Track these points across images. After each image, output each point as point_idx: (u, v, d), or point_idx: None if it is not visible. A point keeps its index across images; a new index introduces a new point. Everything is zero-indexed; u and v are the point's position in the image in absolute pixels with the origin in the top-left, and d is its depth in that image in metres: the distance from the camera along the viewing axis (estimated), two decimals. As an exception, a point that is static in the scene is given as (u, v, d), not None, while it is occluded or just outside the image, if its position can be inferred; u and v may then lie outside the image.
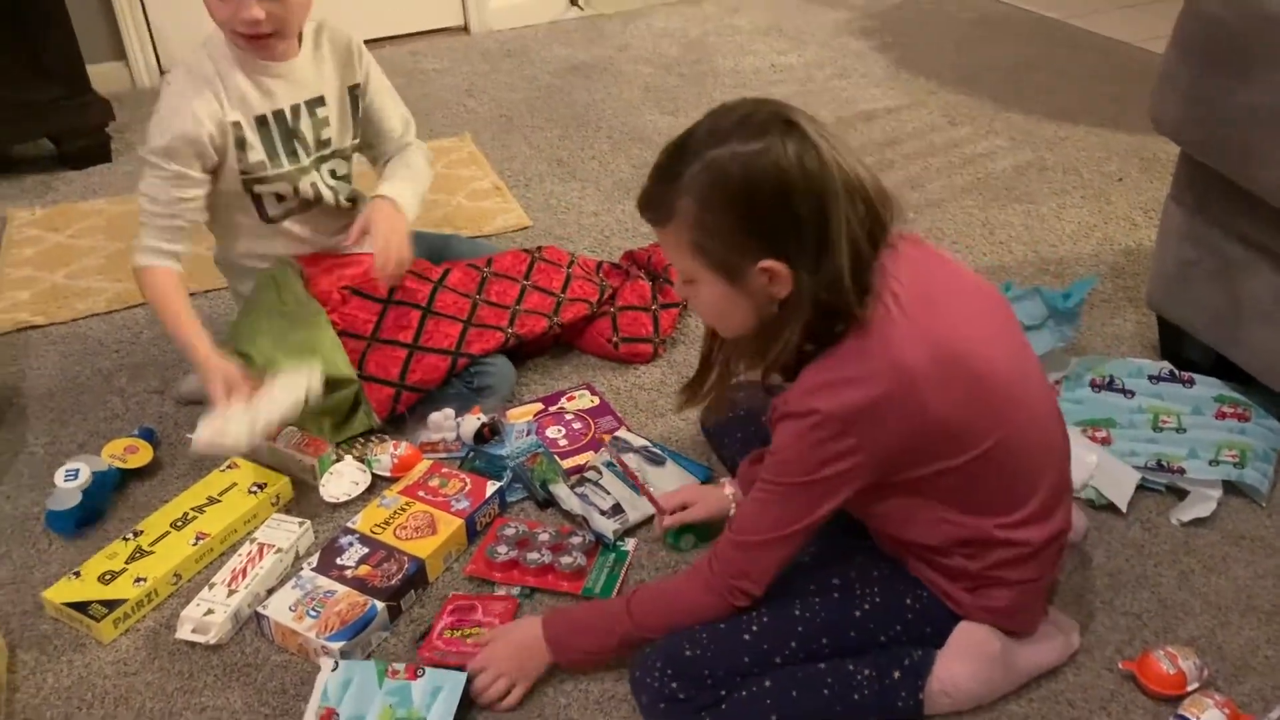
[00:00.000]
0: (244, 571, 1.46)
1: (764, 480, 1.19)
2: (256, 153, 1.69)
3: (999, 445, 1.16)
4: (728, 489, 1.51)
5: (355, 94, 1.82)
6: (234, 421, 1.50)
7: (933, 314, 1.14)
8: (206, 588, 1.45)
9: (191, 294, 2.14)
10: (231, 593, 1.43)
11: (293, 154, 1.74)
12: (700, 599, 1.25)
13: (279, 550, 1.50)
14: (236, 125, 1.66)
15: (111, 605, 1.42)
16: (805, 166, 1.07)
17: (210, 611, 1.41)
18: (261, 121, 1.70)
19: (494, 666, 1.30)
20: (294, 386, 1.57)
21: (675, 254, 1.17)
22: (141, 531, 1.54)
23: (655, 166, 1.15)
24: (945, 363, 1.12)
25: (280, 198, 1.76)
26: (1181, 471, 1.57)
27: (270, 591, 1.44)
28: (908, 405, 1.11)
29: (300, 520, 1.57)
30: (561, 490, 1.59)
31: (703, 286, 1.16)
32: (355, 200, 1.87)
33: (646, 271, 2.07)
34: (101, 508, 1.63)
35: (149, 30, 3.24)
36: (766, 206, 1.08)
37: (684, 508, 1.50)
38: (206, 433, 1.50)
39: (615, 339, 1.92)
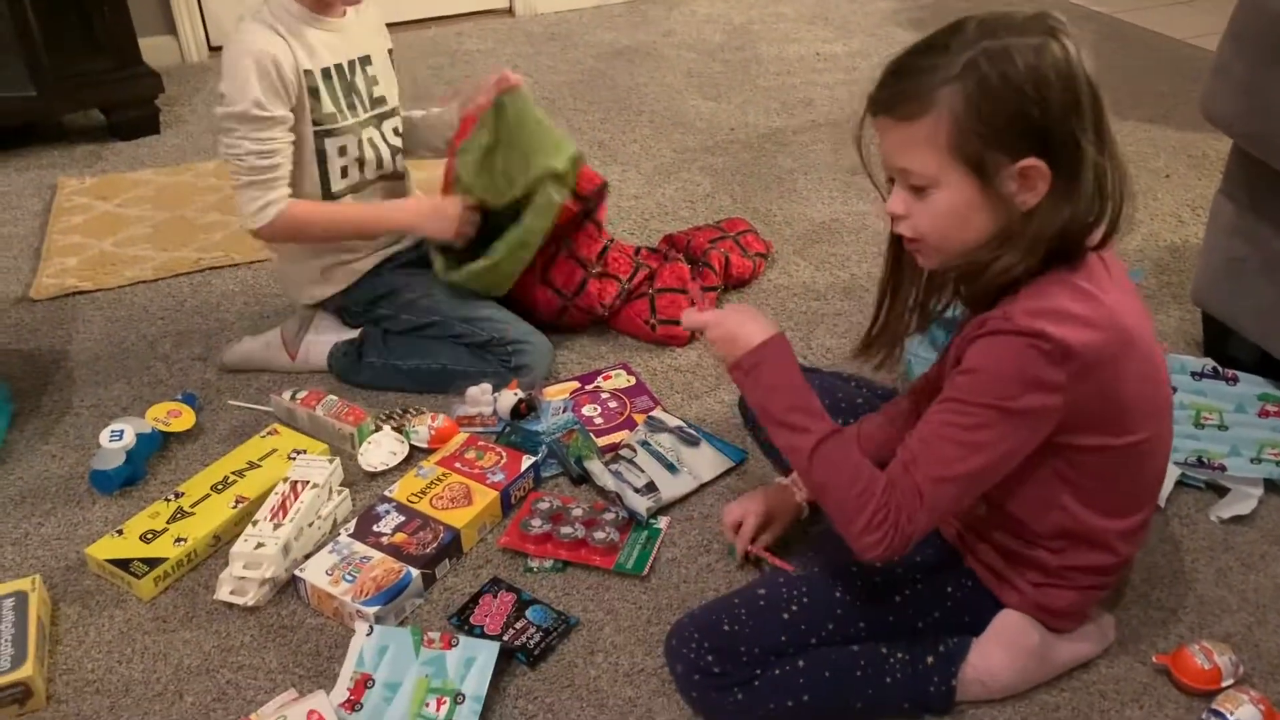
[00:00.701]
0: (284, 509, 1.48)
1: (949, 399, 1.10)
2: (328, 103, 1.72)
3: (1149, 442, 1.16)
4: (797, 495, 1.46)
5: (390, 57, 1.86)
6: (270, 550, 1.45)
7: (1127, 292, 1.14)
8: (250, 525, 1.46)
9: (224, 266, 2.19)
10: (277, 526, 1.45)
11: (353, 108, 1.76)
12: (865, 500, 1.12)
13: (314, 485, 1.51)
14: (309, 74, 1.69)
15: (152, 563, 1.44)
16: (1085, 66, 1.05)
17: (261, 545, 1.42)
18: (327, 74, 1.72)
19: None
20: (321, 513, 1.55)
21: (920, 152, 1.08)
22: (183, 493, 1.56)
23: (900, 63, 1.09)
24: (1138, 342, 1.12)
25: (344, 160, 1.77)
26: (1222, 469, 1.55)
27: (308, 556, 1.46)
28: (1114, 363, 1.09)
29: (329, 456, 1.59)
30: (596, 467, 1.59)
31: (943, 191, 1.08)
32: (404, 176, 1.90)
33: (685, 255, 2.07)
34: (144, 469, 1.65)
35: (199, 6, 3.28)
36: (1052, 100, 1.03)
37: (760, 524, 1.43)
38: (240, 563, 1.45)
39: (653, 320, 1.92)
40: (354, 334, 1.87)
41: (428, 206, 1.80)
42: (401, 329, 1.84)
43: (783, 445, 1.19)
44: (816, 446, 1.16)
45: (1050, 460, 1.16)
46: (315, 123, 1.72)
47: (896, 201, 1.13)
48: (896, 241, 1.21)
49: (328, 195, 1.78)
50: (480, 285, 1.83)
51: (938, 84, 1.05)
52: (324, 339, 1.87)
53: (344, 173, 1.78)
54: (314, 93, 1.70)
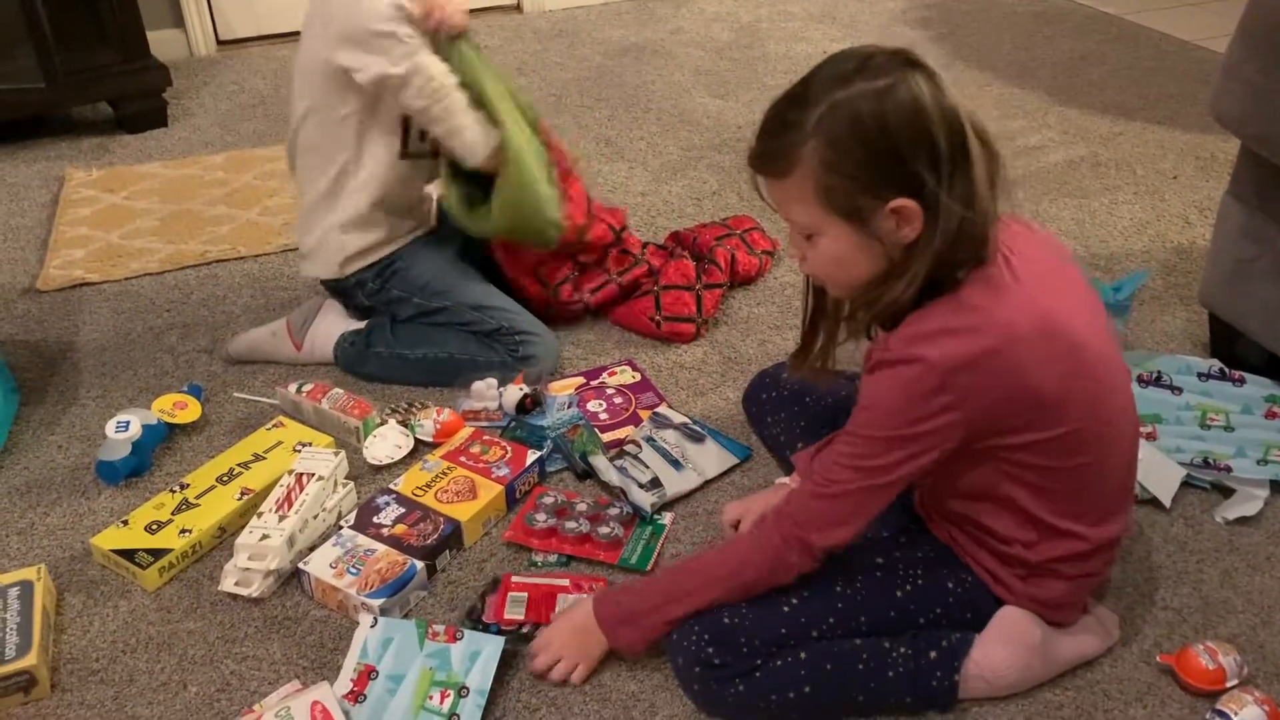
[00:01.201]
0: (289, 500, 1.48)
1: (851, 434, 1.16)
2: None
3: (1088, 431, 1.16)
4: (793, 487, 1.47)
5: None
6: (275, 542, 1.45)
7: (1040, 286, 1.14)
8: (255, 516, 1.46)
9: (230, 259, 2.20)
10: (282, 518, 1.45)
11: None
12: (750, 555, 1.23)
13: (320, 478, 1.51)
14: None
15: (157, 554, 1.45)
16: (940, 99, 1.06)
17: (266, 536, 1.42)
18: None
19: (554, 649, 1.30)
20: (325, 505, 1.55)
21: (797, 206, 1.13)
22: (188, 484, 1.56)
23: (769, 120, 1.12)
24: (1050, 335, 1.12)
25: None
26: (1228, 469, 1.55)
27: (312, 548, 1.46)
28: (1008, 365, 1.09)
29: (335, 449, 1.59)
30: (600, 462, 1.59)
31: (825, 238, 1.13)
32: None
33: (691, 252, 2.07)
34: (149, 460, 1.66)
35: (208, 1, 3.28)
36: (902, 141, 1.05)
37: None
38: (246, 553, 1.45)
39: (658, 317, 1.92)
40: (358, 324, 1.87)
41: None
42: (411, 313, 1.84)
43: (677, 623, 1.25)
44: (673, 590, 1.26)
45: (990, 464, 1.17)
46: None
47: (792, 247, 1.20)
48: None
49: (404, 152, 1.79)
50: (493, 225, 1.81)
51: (796, 143, 1.09)
52: (330, 330, 1.87)
53: (422, 135, 1.78)
54: None
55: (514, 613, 1.37)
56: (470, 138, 1.72)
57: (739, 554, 1.25)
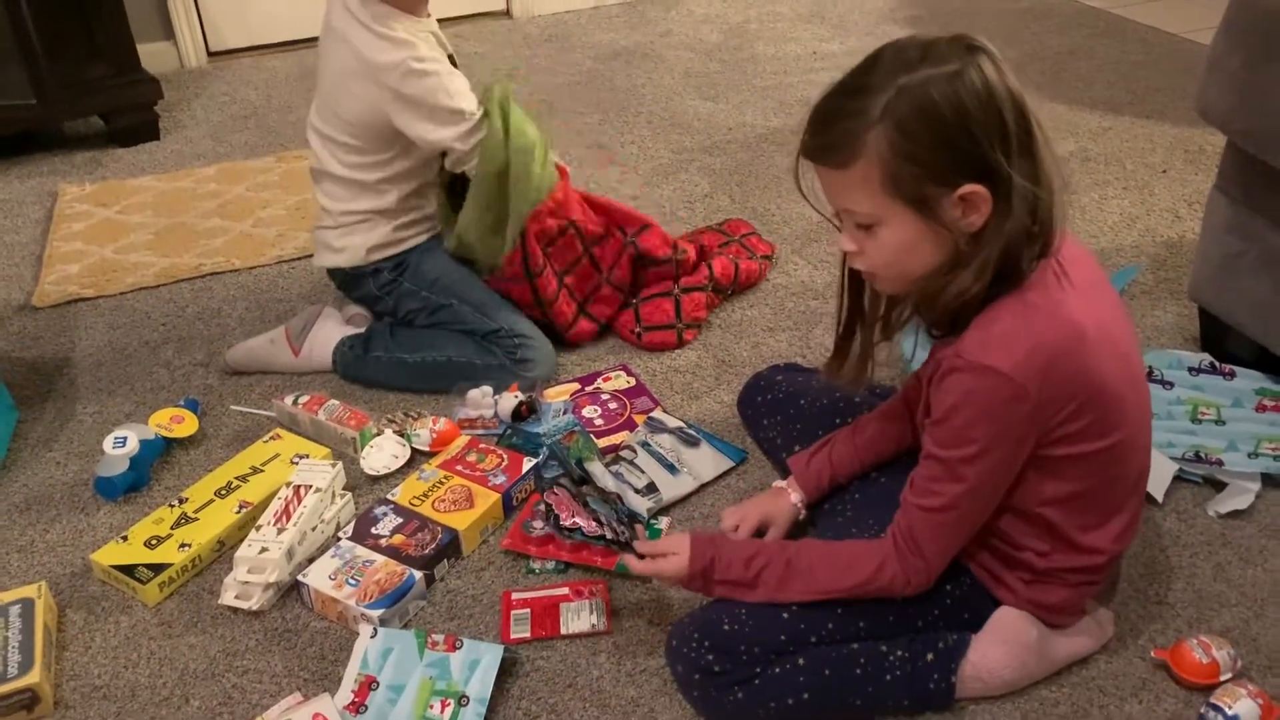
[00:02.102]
0: (286, 513, 1.49)
1: (934, 457, 1.15)
2: None
3: (1125, 443, 1.17)
4: (792, 497, 1.46)
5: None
6: (274, 554, 1.45)
7: (1093, 292, 1.14)
8: (254, 529, 1.47)
9: (225, 271, 2.20)
10: (281, 530, 1.46)
11: None
12: (866, 574, 1.21)
13: (317, 490, 1.52)
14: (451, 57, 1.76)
15: (157, 569, 1.45)
16: (1005, 82, 1.05)
17: (265, 550, 1.43)
18: (451, 59, 1.78)
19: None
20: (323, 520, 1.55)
21: (859, 196, 1.10)
22: (186, 499, 1.57)
23: (825, 109, 1.10)
24: (1107, 341, 1.12)
25: None
26: (1220, 463, 1.56)
27: (311, 560, 1.47)
28: (1079, 366, 1.09)
29: (332, 461, 1.60)
30: (596, 468, 1.60)
31: (888, 228, 1.11)
32: None
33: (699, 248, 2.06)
34: (147, 475, 1.66)
35: (198, 12, 3.29)
36: (974, 125, 1.04)
37: (756, 527, 1.45)
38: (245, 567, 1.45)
39: (638, 329, 1.93)
40: (357, 329, 1.89)
41: None
42: (415, 307, 1.86)
43: (767, 597, 1.25)
44: (785, 578, 1.23)
45: (1030, 475, 1.17)
46: None
47: (847, 239, 1.17)
48: (851, 270, 1.23)
49: (440, 174, 1.86)
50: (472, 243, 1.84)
51: (861, 130, 1.06)
52: (328, 336, 1.88)
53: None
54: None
55: (520, 632, 1.38)
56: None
57: (861, 570, 1.22)
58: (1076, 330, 1.10)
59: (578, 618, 1.39)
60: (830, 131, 1.09)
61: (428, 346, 1.84)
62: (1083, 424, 1.13)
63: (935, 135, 1.05)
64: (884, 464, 1.42)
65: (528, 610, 1.40)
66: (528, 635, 1.37)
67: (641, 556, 1.30)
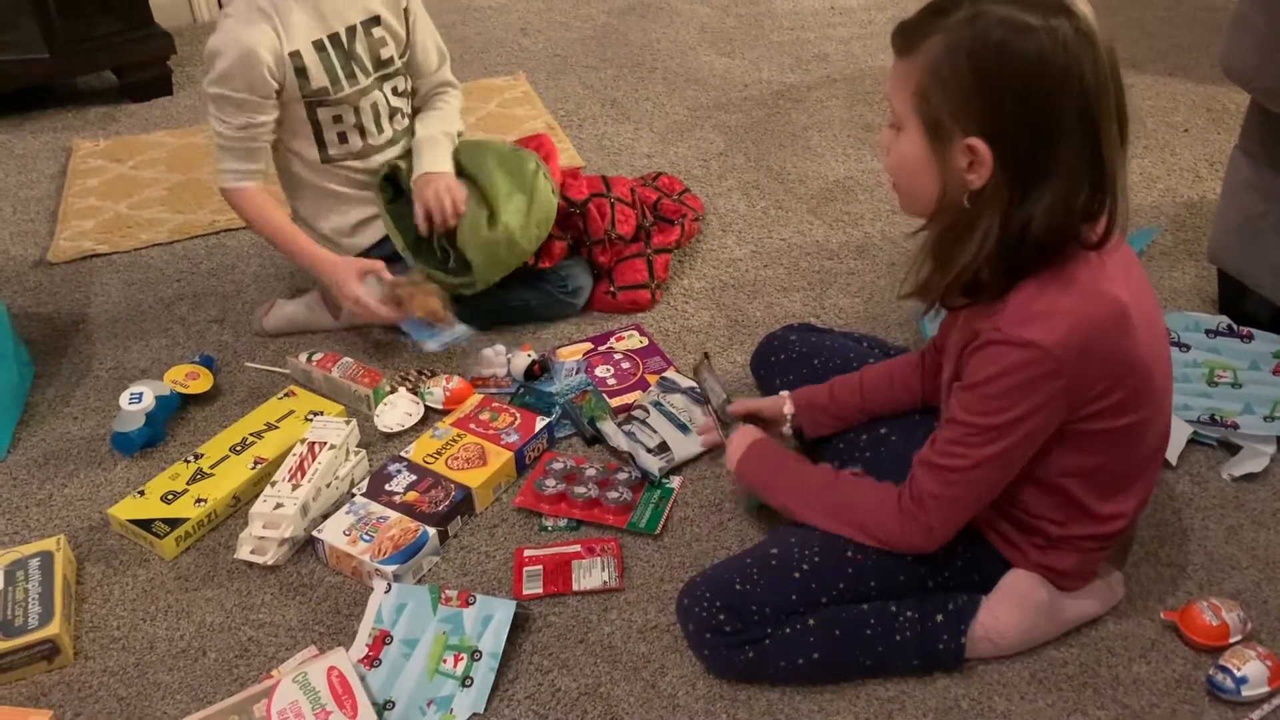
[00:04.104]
0: (301, 469, 1.50)
1: (961, 421, 1.14)
2: (319, 79, 1.70)
3: (1149, 418, 1.16)
4: (787, 407, 1.49)
5: (407, 17, 1.84)
6: (289, 510, 1.47)
7: (1125, 268, 1.13)
8: (269, 485, 1.49)
9: (239, 228, 2.20)
10: (296, 486, 1.47)
11: (351, 76, 1.74)
12: (870, 517, 1.24)
13: (332, 446, 1.53)
14: (295, 55, 1.67)
15: (173, 524, 1.47)
16: (1070, 69, 1.00)
17: (280, 505, 1.45)
18: (320, 46, 1.71)
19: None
20: (338, 472, 1.56)
21: (898, 90, 1.09)
22: (202, 454, 1.58)
23: (929, 4, 1.08)
24: (1141, 314, 1.11)
25: (340, 127, 1.76)
26: (1235, 426, 1.55)
27: (326, 516, 1.48)
28: (1117, 342, 1.09)
29: (346, 418, 1.61)
30: (609, 427, 1.61)
31: (905, 137, 1.10)
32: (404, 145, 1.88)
33: (654, 213, 2.05)
34: (163, 431, 1.68)
35: (209, -36, 3.26)
36: (1007, 87, 1.01)
37: (750, 417, 1.50)
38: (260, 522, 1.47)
39: (612, 289, 1.93)
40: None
41: (343, 273, 1.74)
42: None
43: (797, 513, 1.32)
44: (818, 496, 1.30)
45: (1055, 446, 1.16)
46: (303, 95, 1.71)
47: (884, 133, 1.15)
48: None
49: (325, 160, 1.79)
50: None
51: (927, 32, 1.05)
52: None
53: (341, 138, 1.78)
54: (301, 71, 1.68)
55: (532, 588, 1.39)
56: (218, 163, 1.74)
57: (864, 510, 1.25)
58: (1120, 308, 1.08)
59: (589, 575, 1.40)
60: (911, 20, 1.08)
61: (477, 296, 1.83)
62: (1113, 401, 1.12)
63: (968, 74, 1.02)
64: (892, 421, 1.43)
65: (540, 567, 1.41)
66: (540, 591, 1.38)
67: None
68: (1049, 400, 1.10)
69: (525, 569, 1.41)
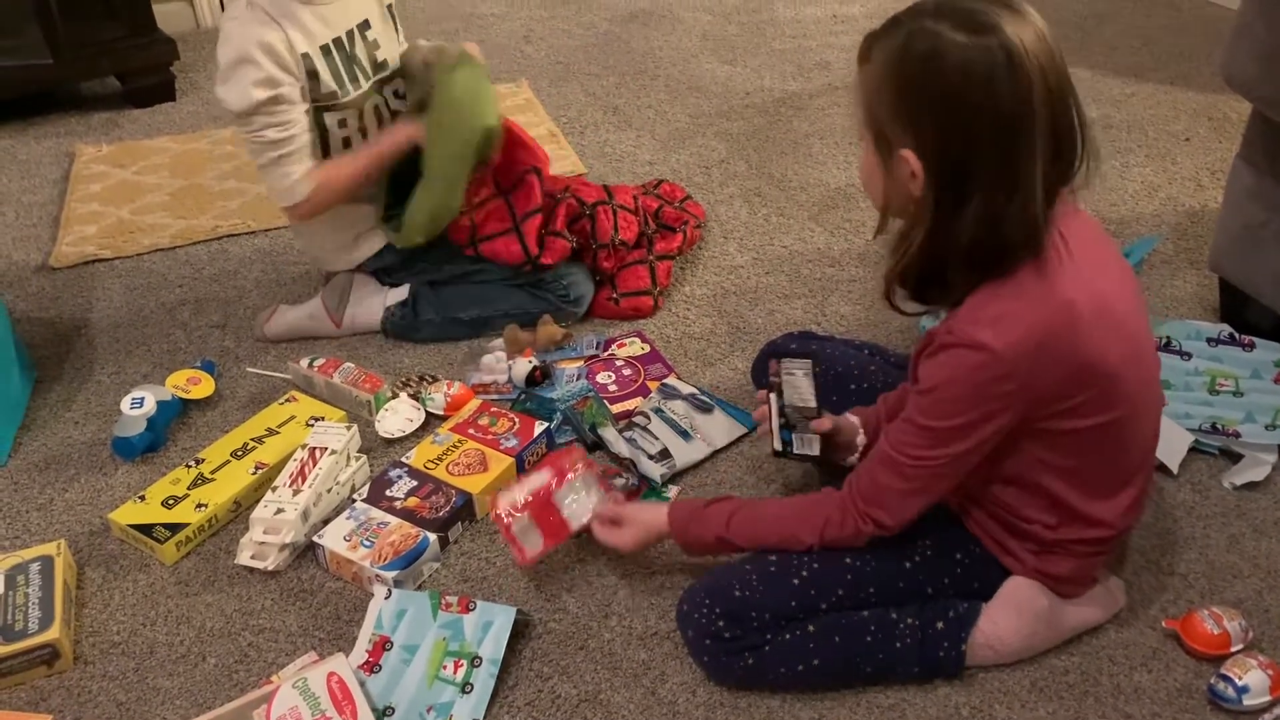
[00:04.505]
0: (302, 475, 1.50)
1: (913, 421, 1.16)
2: (328, 82, 1.70)
3: (1126, 419, 1.16)
4: (860, 437, 1.44)
5: (391, 12, 1.85)
6: (290, 515, 1.47)
7: (1093, 267, 1.13)
8: (270, 491, 1.49)
9: (241, 233, 2.20)
10: (297, 492, 1.47)
11: (354, 79, 1.75)
12: (809, 520, 1.25)
13: (332, 452, 1.53)
14: (306, 58, 1.67)
15: (174, 529, 1.47)
16: (989, 87, 1.01)
17: (280, 510, 1.45)
18: (326, 50, 1.71)
19: (617, 543, 1.36)
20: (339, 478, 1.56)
21: (856, 100, 1.13)
22: (203, 459, 1.58)
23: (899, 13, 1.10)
24: (1105, 315, 1.11)
25: (345, 132, 1.76)
26: (1236, 435, 1.55)
27: (326, 521, 1.48)
28: (1070, 346, 1.09)
29: (347, 424, 1.61)
30: (610, 434, 1.61)
31: (864, 146, 1.14)
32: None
33: (657, 221, 2.05)
34: (164, 436, 1.68)
35: (213, -29, 3.27)
36: (927, 100, 1.04)
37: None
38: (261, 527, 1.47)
39: (615, 296, 1.93)
40: (400, 294, 1.88)
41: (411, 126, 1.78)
42: (447, 278, 1.87)
43: (726, 549, 1.32)
44: (727, 522, 1.29)
45: (1035, 448, 1.17)
46: (314, 100, 1.71)
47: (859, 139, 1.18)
48: None
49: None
50: (424, 227, 1.81)
51: (878, 45, 1.08)
52: (370, 304, 1.88)
53: (345, 143, 1.77)
54: (313, 75, 1.68)
55: (533, 546, 1.39)
56: (273, 187, 1.73)
57: (801, 516, 1.27)
58: (1070, 311, 1.09)
59: (579, 505, 1.40)
60: (871, 33, 1.11)
61: (478, 303, 1.85)
62: (1077, 401, 1.13)
63: (896, 86, 1.06)
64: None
65: (526, 515, 1.40)
66: (541, 548, 1.38)
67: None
68: (1001, 403, 1.11)
69: (512, 529, 1.39)
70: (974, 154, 1.05)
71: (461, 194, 1.80)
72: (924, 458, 1.16)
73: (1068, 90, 1.06)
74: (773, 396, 1.44)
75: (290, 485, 1.49)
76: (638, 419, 1.65)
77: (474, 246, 1.84)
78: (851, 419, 1.45)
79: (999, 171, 1.05)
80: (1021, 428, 1.14)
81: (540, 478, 1.43)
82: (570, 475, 1.43)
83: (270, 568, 1.43)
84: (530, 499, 1.41)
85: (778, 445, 1.41)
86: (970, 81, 1.02)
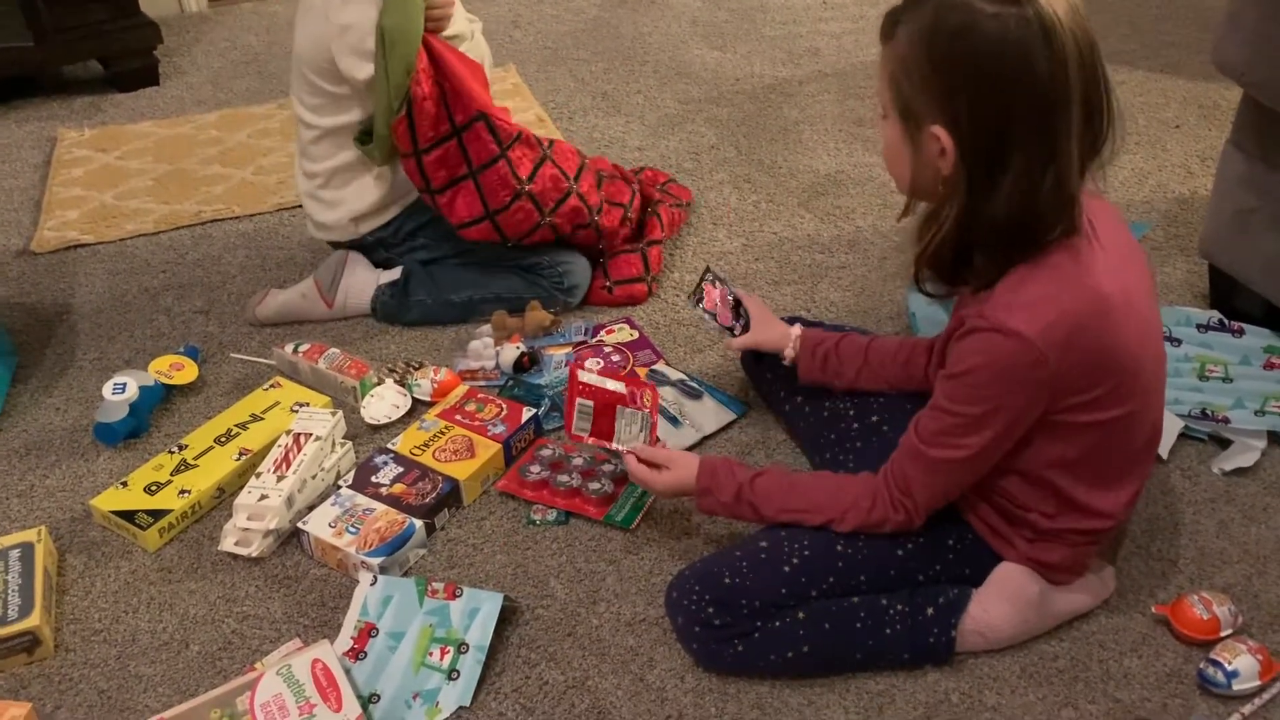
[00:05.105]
0: (286, 461, 1.49)
1: (944, 409, 1.14)
2: None
3: (1137, 413, 1.16)
4: (790, 348, 1.50)
5: None
6: (274, 502, 1.45)
7: (1120, 257, 1.12)
8: (254, 476, 1.47)
9: (225, 218, 2.18)
10: (281, 478, 1.46)
11: None
12: (857, 502, 1.23)
13: (317, 438, 1.52)
14: None
15: (157, 515, 1.45)
16: (1024, 58, 0.99)
17: (264, 497, 1.43)
18: None
19: (652, 482, 1.35)
20: (324, 467, 1.54)
21: (880, 77, 1.11)
22: (186, 445, 1.57)
23: None
24: (1130, 309, 1.11)
25: None
26: (1226, 421, 1.55)
27: (311, 507, 1.46)
28: (1100, 333, 1.08)
29: (332, 410, 1.60)
30: (599, 419, 1.60)
31: (888, 124, 1.11)
32: None
33: (643, 199, 2.04)
34: (147, 422, 1.66)
35: (197, -46, 3.23)
36: (960, 73, 1.02)
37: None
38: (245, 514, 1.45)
39: (608, 284, 1.91)
40: (392, 275, 1.87)
41: None
42: (442, 256, 1.86)
43: (749, 517, 1.31)
44: (752, 489, 1.28)
45: (1039, 438, 1.16)
46: None
47: (879, 120, 1.16)
48: None
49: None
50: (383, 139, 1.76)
51: (905, 18, 1.06)
52: (362, 283, 1.86)
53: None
54: None
55: (581, 426, 1.45)
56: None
57: (829, 491, 1.26)
58: (1104, 301, 1.08)
59: (629, 430, 1.43)
60: (893, 8, 1.09)
61: (471, 285, 1.84)
62: (1097, 393, 1.12)
63: (929, 60, 1.04)
64: (885, 411, 1.42)
65: (591, 403, 1.43)
66: (587, 433, 1.44)
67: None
68: (1031, 390, 1.10)
69: (578, 400, 1.44)
70: (1009, 129, 1.02)
71: (395, 95, 1.70)
72: (956, 445, 1.14)
73: (1099, 61, 1.04)
74: (719, 284, 1.57)
75: (274, 471, 1.47)
76: (626, 405, 1.64)
77: (430, 195, 1.79)
78: (784, 328, 1.52)
79: (1035, 146, 1.02)
80: (1037, 419, 1.13)
81: (617, 386, 1.44)
82: (636, 406, 1.43)
83: (254, 554, 1.42)
84: (603, 394, 1.44)
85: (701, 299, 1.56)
86: (1006, 55, 1.00)
